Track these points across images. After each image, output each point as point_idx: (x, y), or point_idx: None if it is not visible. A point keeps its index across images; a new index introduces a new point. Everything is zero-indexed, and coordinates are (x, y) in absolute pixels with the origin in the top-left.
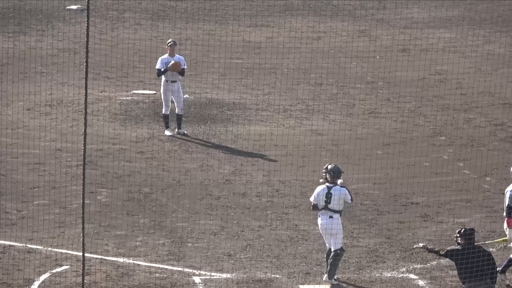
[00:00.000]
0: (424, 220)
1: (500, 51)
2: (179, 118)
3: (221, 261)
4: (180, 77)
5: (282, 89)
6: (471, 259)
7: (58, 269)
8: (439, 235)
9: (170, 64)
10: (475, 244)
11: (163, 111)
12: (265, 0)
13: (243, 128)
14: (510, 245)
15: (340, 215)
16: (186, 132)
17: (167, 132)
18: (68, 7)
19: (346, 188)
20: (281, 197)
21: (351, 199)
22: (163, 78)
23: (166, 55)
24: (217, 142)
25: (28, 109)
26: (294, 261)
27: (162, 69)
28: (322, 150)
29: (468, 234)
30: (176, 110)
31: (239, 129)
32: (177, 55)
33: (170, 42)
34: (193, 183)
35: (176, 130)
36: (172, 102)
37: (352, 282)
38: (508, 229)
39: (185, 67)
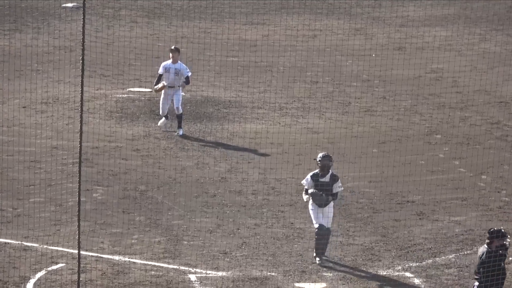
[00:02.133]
0: (420, 218)
1: (496, 49)
2: (178, 118)
3: (216, 259)
4: (181, 83)
5: (278, 87)
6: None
7: (54, 267)
8: (434, 233)
9: (155, 88)
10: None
11: (160, 113)
12: None
13: (239, 126)
14: None
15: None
16: (181, 133)
17: (161, 122)
18: (64, 5)
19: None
20: (277, 195)
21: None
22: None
23: (169, 61)
24: (213, 140)
25: (23, 107)
26: (290, 259)
27: (156, 86)
28: (318, 148)
29: (490, 233)
30: (175, 111)
31: (235, 127)
32: (179, 63)
33: (172, 47)
34: (189, 181)
35: (177, 130)
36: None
37: (347, 280)
38: None
39: (189, 74)
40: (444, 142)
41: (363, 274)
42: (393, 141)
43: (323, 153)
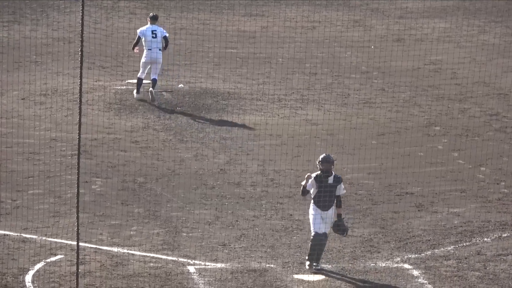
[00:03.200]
0: (419, 210)
1: (495, 41)
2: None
3: (215, 251)
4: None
5: (277, 79)
6: None
7: (53, 259)
8: (433, 225)
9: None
10: None
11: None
12: None
13: (237, 118)
14: None
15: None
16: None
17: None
18: None
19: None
20: (276, 187)
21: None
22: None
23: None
24: (211, 132)
25: (22, 99)
26: (289, 251)
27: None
28: (317, 140)
29: None
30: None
31: (233, 119)
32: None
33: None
34: (188, 173)
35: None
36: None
37: (346, 272)
38: None
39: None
40: (443, 134)
41: (361, 265)
42: (392, 132)
43: (323, 155)
